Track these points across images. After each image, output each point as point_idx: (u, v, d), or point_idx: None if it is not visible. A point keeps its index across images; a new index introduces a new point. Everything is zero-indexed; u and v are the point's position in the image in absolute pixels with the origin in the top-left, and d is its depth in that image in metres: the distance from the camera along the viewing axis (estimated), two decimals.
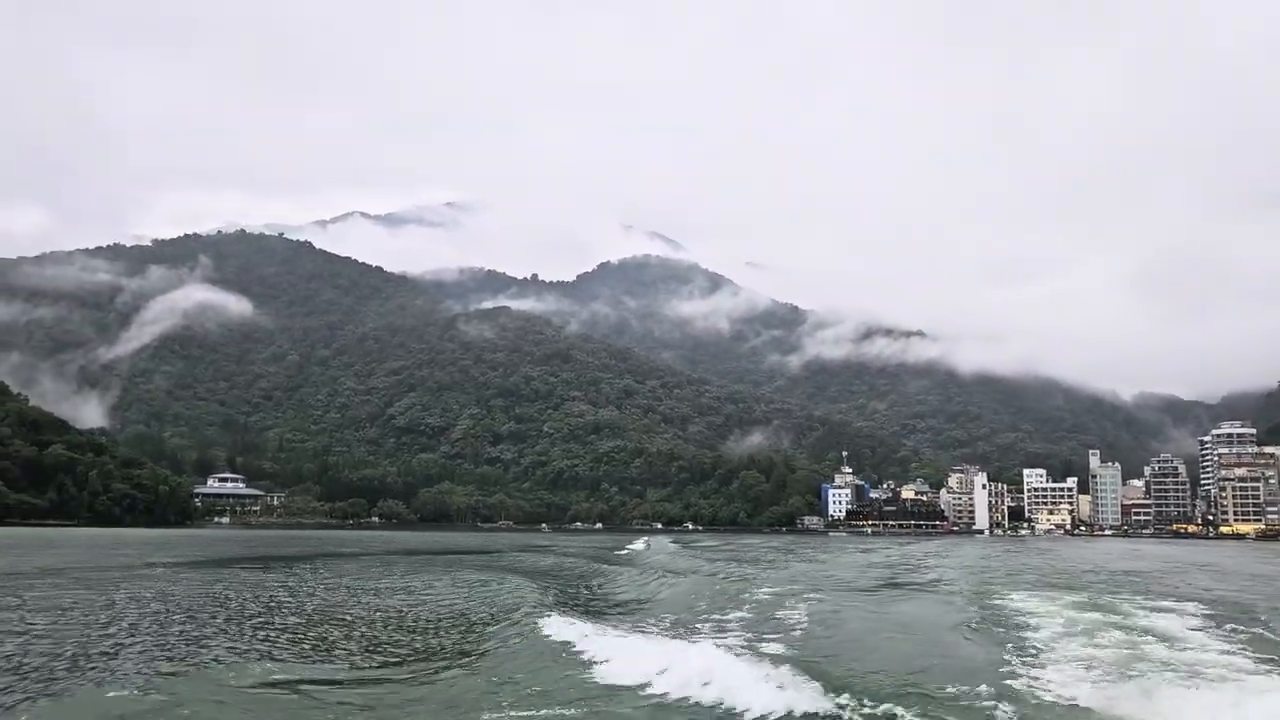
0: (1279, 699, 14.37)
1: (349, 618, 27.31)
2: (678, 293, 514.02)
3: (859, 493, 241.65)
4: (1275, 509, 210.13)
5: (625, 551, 70.59)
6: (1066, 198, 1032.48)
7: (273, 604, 31.00)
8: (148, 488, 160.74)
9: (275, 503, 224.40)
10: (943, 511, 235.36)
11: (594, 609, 30.13)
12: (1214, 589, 41.73)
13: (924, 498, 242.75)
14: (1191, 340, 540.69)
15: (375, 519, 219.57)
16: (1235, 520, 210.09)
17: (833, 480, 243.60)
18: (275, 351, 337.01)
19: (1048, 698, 15.19)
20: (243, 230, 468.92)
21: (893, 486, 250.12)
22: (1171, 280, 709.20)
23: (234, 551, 68.64)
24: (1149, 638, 23.07)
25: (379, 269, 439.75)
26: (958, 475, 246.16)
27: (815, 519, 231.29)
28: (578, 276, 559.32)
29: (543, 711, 14.49)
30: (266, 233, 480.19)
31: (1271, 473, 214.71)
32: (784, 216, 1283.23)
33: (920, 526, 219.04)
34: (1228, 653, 20.80)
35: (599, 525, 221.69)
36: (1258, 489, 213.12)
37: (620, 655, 18.23)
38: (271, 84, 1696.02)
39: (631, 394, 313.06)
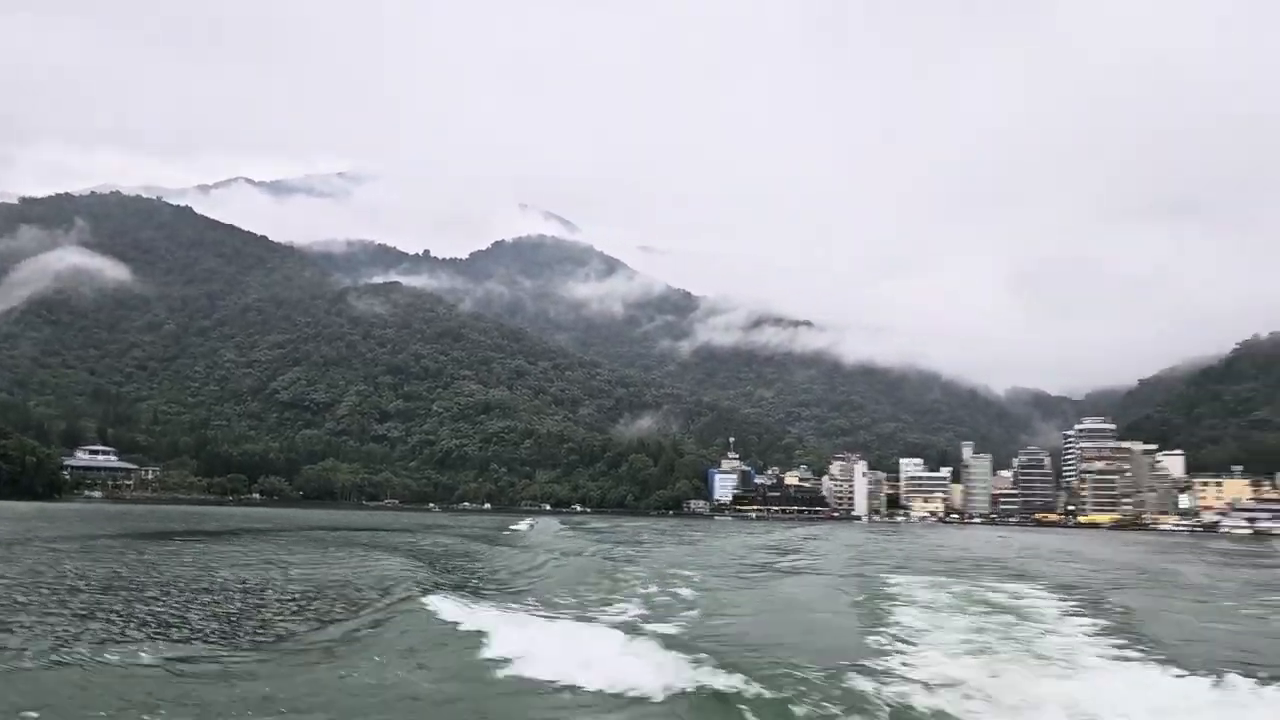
0: (1130, 678, 15.19)
1: (222, 596, 26.25)
2: (573, 274, 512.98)
3: (745, 478, 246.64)
4: (1129, 500, 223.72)
5: (510, 532, 69.96)
6: (956, 199, 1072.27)
7: (140, 581, 29.56)
8: (13, 458, 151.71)
9: (150, 477, 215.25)
10: (825, 498, 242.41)
11: (478, 588, 29.73)
12: (1074, 573, 44.07)
13: (807, 484, 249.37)
14: (1061, 339, 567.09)
15: (256, 495, 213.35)
16: (1093, 510, 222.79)
17: (720, 465, 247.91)
18: (151, 320, 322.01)
19: (921, 676, 15.64)
20: (119, 192, 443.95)
21: (777, 473, 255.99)
22: (1045, 282, 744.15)
23: (109, 528, 65.74)
24: (1015, 619, 24.30)
25: (264, 238, 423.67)
26: (840, 463, 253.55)
27: (702, 503, 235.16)
28: (471, 254, 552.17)
29: (425, 689, 14.32)
30: (145, 195, 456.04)
31: (1128, 466, 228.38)
32: (681, 203, 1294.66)
33: (803, 512, 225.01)
34: (1086, 634, 22.06)
35: (487, 505, 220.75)
36: (1114, 481, 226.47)
37: (504, 635, 17.96)
38: (153, 42, 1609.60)
39: (523, 375, 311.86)
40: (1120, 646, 20.34)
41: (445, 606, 21.74)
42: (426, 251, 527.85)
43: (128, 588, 27.29)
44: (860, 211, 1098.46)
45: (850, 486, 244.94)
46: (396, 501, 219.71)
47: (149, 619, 21.49)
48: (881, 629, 21.97)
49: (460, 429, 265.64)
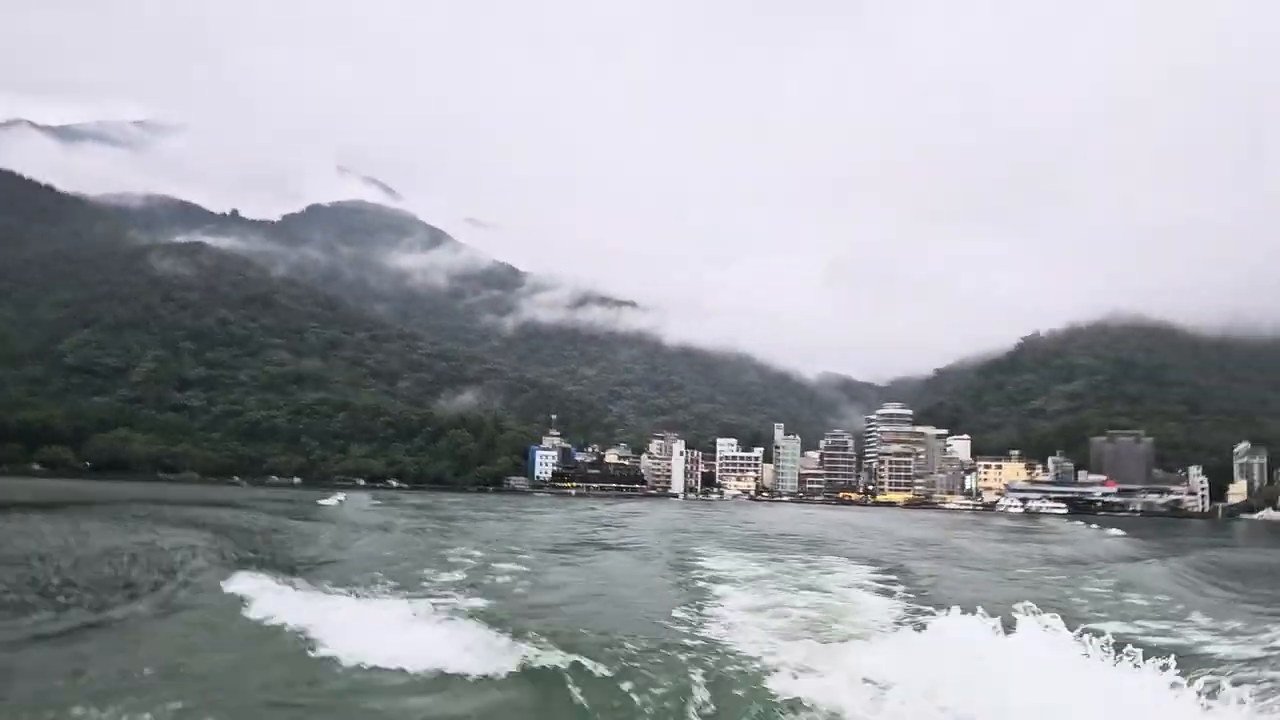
0: (915, 642, 15.76)
1: None
2: (396, 244, 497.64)
3: (565, 455, 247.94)
4: (922, 481, 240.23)
5: (320, 506, 67.73)
6: (787, 191, 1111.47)
7: None
8: None
9: None
10: (643, 475, 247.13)
11: (285, 566, 28.47)
12: (873, 547, 47.32)
13: (626, 462, 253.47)
14: (868, 329, 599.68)
15: (36, 466, 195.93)
16: (890, 490, 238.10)
17: (541, 442, 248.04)
18: None
19: (738, 647, 16.26)
20: None
21: (597, 450, 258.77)
22: (856, 276, 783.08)
23: None
24: (820, 590, 25.81)
25: (49, 188, 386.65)
26: (658, 442, 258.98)
27: (522, 480, 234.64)
28: (284, 217, 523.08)
29: (227, 673, 13.73)
30: None
31: (921, 449, 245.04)
32: (509, 178, 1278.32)
33: (622, 489, 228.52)
34: (885, 601, 23.90)
35: (297, 480, 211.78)
36: (909, 463, 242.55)
37: (313, 615, 17.24)
38: None
39: (338, 345, 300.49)
40: (911, 609, 22.11)
41: (250, 586, 20.73)
42: (234, 211, 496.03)
43: None
44: (688, 200, 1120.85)
45: (668, 465, 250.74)
46: (197, 475, 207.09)
47: None
48: (698, 602, 22.65)
49: (269, 400, 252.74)
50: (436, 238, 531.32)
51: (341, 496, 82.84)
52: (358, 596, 20.59)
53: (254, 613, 18.13)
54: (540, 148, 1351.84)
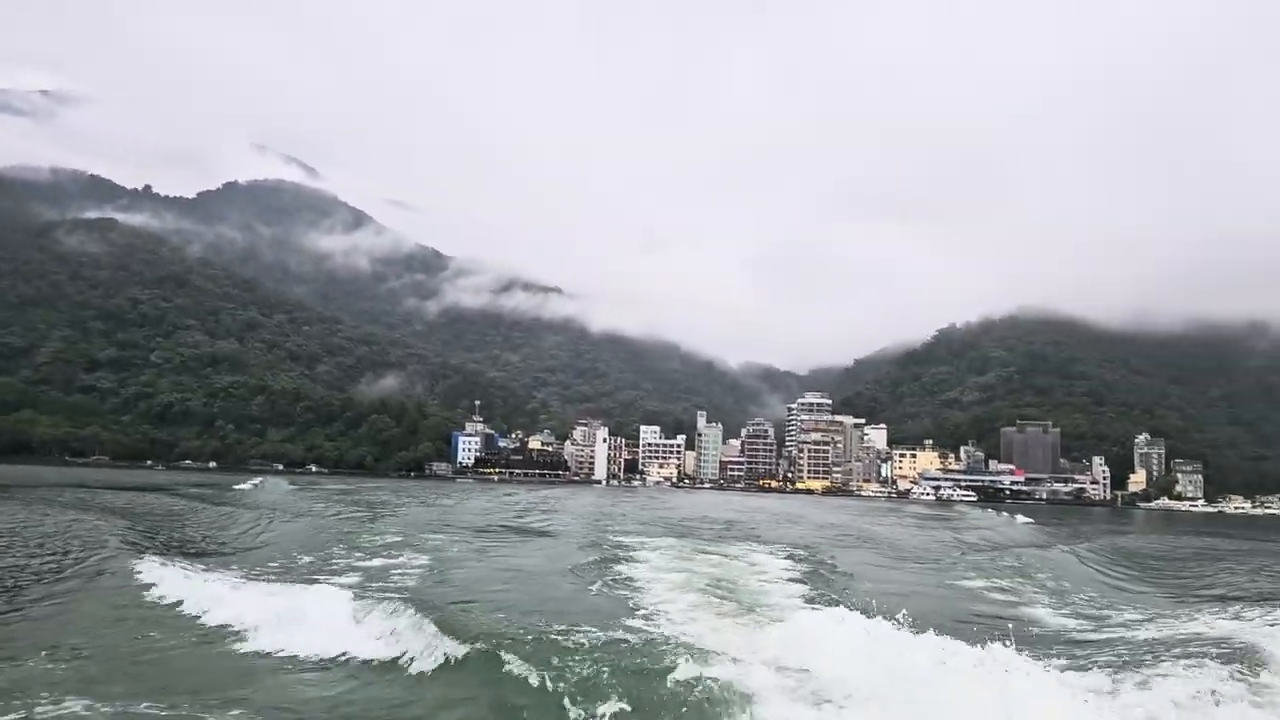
0: (827, 620, 16.29)
1: None
2: (317, 225, 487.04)
3: (489, 441, 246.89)
4: (840, 469, 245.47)
5: (234, 491, 66.47)
6: (713, 181, 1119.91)
7: None
8: None
9: None
10: (566, 462, 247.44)
11: (195, 551, 28.29)
12: (792, 535, 48.45)
13: (550, 448, 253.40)
14: (790, 319, 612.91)
15: None
16: (809, 477, 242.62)
17: (464, 428, 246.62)
18: None
19: (655, 630, 16.52)
20: None
21: (521, 436, 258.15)
22: (779, 266, 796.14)
23: None
24: (735, 574, 26.47)
25: None
26: (582, 429, 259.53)
27: (445, 465, 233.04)
28: (199, 194, 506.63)
29: (131, 659, 13.49)
30: None
31: (839, 438, 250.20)
32: (433, 160, 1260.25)
33: (544, 475, 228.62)
34: (796, 585, 24.75)
35: (213, 464, 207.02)
36: (827, 452, 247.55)
37: (223, 600, 17.20)
38: None
39: (256, 327, 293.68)
40: (823, 595, 23.11)
41: (158, 571, 20.38)
42: (147, 187, 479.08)
43: None
44: (615, 187, 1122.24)
45: (591, 451, 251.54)
46: (108, 458, 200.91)
47: None
48: (616, 588, 23.08)
49: (183, 382, 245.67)
50: (359, 219, 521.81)
51: (258, 480, 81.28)
52: (269, 581, 20.21)
53: (162, 599, 17.85)
54: (462, 131, 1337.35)
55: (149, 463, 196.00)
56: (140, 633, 15.33)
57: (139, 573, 20.38)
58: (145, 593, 18.67)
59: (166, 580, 19.37)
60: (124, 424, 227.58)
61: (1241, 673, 12.78)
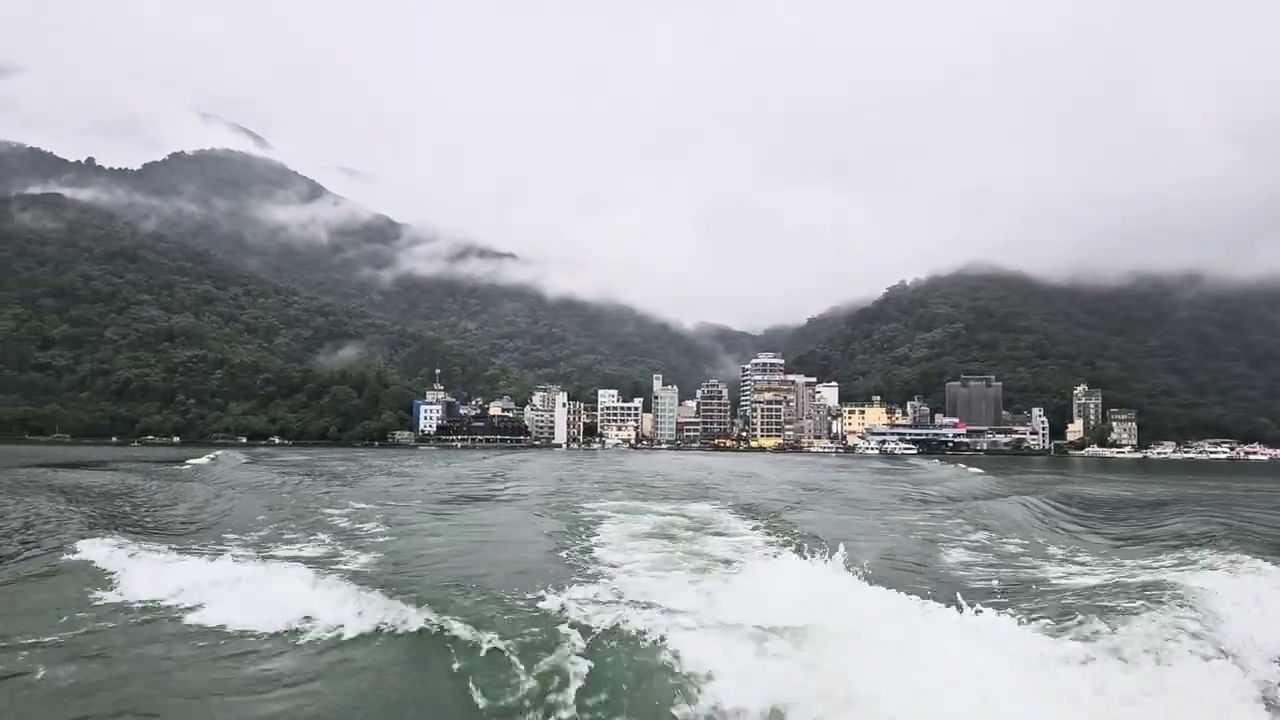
0: (781, 569, 16.62)
1: None
2: (272, 196, 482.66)
3: (450, 409, 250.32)
4: (792, 427, 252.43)
5: (191, 466, 62.79)
6: (649, 146, 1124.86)
7: None
8: None
9: None
10: (526, 427, 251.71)
11: (150, 528, 26.97)
12: (749, 492, 48.89)
13: (510, 414, 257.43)
14: (743, 280, 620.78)
15: None
16: (761, 436, 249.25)
17: (425, 397, 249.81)
18: None
19: (620, 593, 16.32)
20: None
21: (481, 403, 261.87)
22: (728, 229, 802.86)
23: None
24: (694, 532, 26.99)
25: None
26: (541, 394, 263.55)
27: (407, 434, 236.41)
28: (145, 165, 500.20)
29: (84, 643, 13.04)
30: None
31: (792, 397, 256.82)
32: (375, 129, 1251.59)
33: (506, 441, 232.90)
34: (767, 541, 25.22)
35: (176, 439, 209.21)
36: (779, 410, 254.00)
37: (177, 577, 16.56)
38: None
39: (211, 300, 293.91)
40: (782, 544, 23.91)
41: (108, 551, 19.24)
42: (90, 160, 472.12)
43: None
44: (559, 151, 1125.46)
45: (551, 416, 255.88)
46: (68, 436, 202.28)
47: None
48: (578, 548, 23.34)
49: (140, 358, 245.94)
50: (314, 190, 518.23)
51: (216, 454, 77.89)
52: (220, 556, 19.37)
53: (111, 577, 17.20)
54: (400, 100, 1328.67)
55: (114, 439, 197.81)
56: (81, 613, 14.77)
57: (84, 551, 19.29)
58: (90, 570, 17.68)
59: (111, 557, 18.48)
60: (82, 401, 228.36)
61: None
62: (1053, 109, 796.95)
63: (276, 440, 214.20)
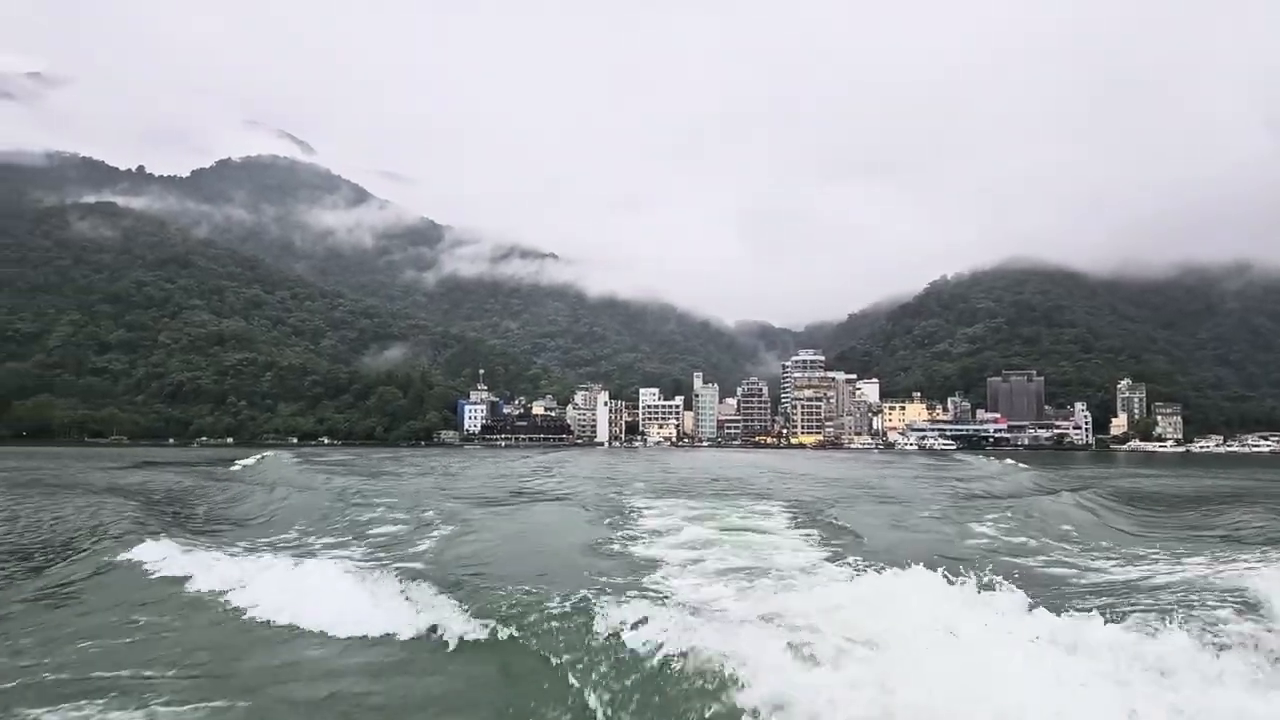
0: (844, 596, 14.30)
1: None
2: (320, 201, 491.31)
3: (493, 408, 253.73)
4: (832, 424, 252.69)
5: (239, 467, 64.86)
6: (682, 147, 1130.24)
7: None
8: None
9: None
10: (569, 426, 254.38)
11: (203, 528, 27.99)
12: (797, 490, 47.53)
13: (553, 413, 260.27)
14: (784, 277, 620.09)
15: None
16: (802, 433, 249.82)
17: (469, 396, 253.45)
18: None
19: (673, 597, 15.67)
20: None
21: (524, 402, 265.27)
22: (768, 227, 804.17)
23: None
24: (749, 533, 25.75)
25: None
26: (583, 393, 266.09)
27: (452, 433, 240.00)
28: (193, 172, 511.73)
29: (146, 640, 13.67)
30: None
31: (832, 393, 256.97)
32: (415, 133, 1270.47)
33: (549, 440, 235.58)
34: (809, 543, 23.88)
35: (230, 440, 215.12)
36: (820, 407, 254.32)
37: (230, 576, 17.07)
38: None
39: (259, 304, 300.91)
40: (830, 549, 22.79)
41: (163, 550, 20.12)
42: (141, 168, 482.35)
43: None
44: (594, 153, 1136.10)
45: (593, 415, 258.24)
46: (125, 438, 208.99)
47: None
48: (629, 552, 22.52)
49: (192, 361, 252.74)
50: (360, 195, 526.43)
51: (266, 454, 79.49)
52: (277, 556, 19.96)
53: (170, 577, 17.82)
54: (436, 101, 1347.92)
55: (170, 441, 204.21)
56: (145, 610, 15.44)
57: (144, 551, 20.24)
58: (149, 571, 18.63)
59: (170, 557, 19.36)
60: (138, 404, 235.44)
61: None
62: (1085, 100, 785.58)
63: (325, 440, 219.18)
